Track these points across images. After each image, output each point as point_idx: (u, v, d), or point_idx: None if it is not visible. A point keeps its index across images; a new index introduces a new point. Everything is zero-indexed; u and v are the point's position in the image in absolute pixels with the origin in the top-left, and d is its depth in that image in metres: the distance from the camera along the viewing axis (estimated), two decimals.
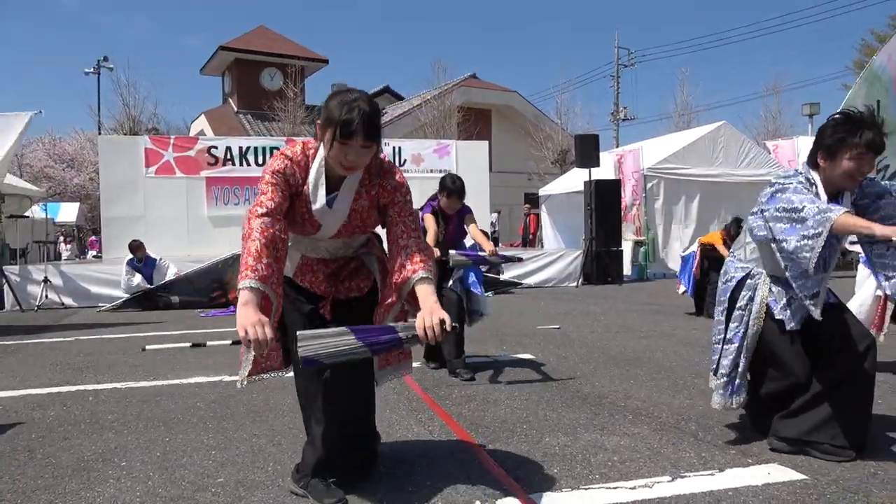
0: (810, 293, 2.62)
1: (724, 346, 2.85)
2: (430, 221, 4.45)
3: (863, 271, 4.24)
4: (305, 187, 2.26)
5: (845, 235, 2.58)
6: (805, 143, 15.30)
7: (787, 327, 2.70)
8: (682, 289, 7.63)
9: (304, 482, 2.36)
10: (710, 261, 7.36)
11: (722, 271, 2.99)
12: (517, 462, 2.70)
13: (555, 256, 12.18)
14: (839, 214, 2.41)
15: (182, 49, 64.83)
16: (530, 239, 17.92)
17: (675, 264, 13.08)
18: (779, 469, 2.56)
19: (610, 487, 2.41)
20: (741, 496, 2.31)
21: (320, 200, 2.26)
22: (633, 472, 2.55)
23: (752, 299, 2.78)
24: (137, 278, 9.33)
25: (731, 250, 3.00)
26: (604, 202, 12.55)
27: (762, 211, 2.70)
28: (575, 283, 11.92)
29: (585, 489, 2.40)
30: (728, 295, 2.86)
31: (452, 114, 22.01)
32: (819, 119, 22.28)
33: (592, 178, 12.75)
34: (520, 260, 4.80)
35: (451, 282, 4.52)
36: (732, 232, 7.20)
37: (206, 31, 62.51)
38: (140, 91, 23.09)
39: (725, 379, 2.83)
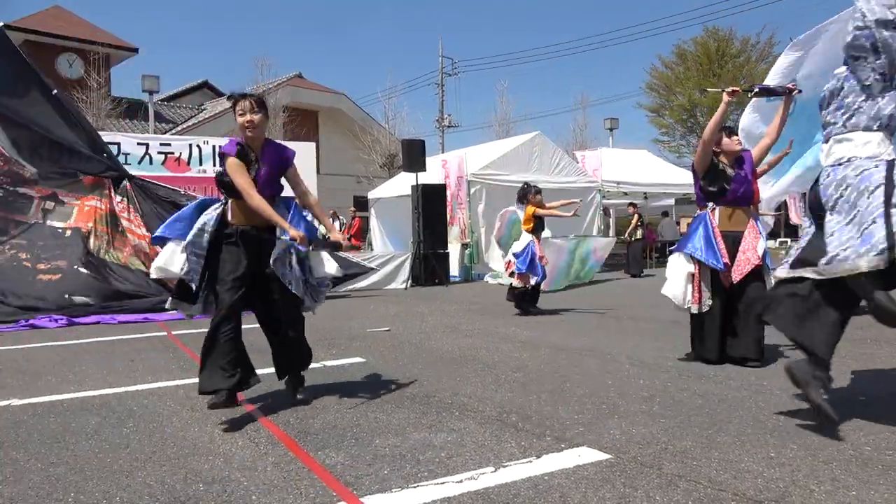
0: None
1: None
2: (234, 168, 3.52)
3: (673, 261, 4.67)
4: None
5: None
6: (607, 155, 16.93)
7: None
8: (533, 280, 7.56)
9: None
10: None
11: (850, 169, 2.95)
12: (347, 466, 2.69)
13: (384, 259, 12.28)
14: None
15: None
16: (350, 240, 17.83)
17: (496, 265, 13.80)
18: (588, 451, 2.80)
19: (438, 483, 2.48)
20: (556, 479, 2.49)
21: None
22: (460, 466, 2.65)
23: None
24: None
25: (845, 155, 3.01)
26: (431, 206, 12.90)
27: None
28: (404, 285, 12.11)
29: (415, 487, 2.45)
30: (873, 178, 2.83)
31: (278, 113, 21.34)
32: (618, 133, 24.77)
33: (419, 182, 13.05)
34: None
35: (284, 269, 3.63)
36: (531, 197, 7.81)
37: None
38: None
39: None
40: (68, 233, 8.88)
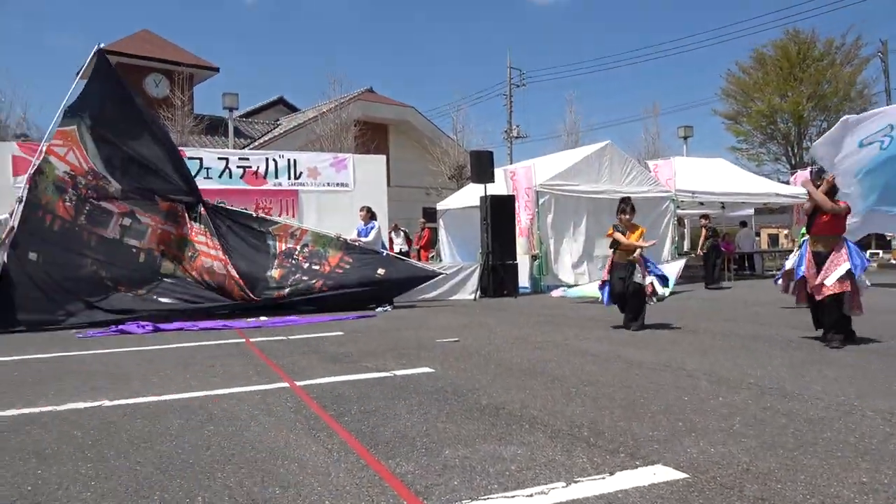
0: None
1: None
2: None
3: None
4: None
5: None
6: (681, 164, 16.45)
7: None
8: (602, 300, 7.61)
9: None
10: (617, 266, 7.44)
11: None
12: (417, 476, 2.70)
13: (452, 270, 12.34)
14: None
15: (52, 50, 60.37)
16: (419, 252, 17.97)
17: (565, 276, 13.63)
18: (663, 469, 2.71)
19: (508, 496, 2.46)
20: (630, 497, 2.43)
21: None
22: (530, 480, 2.62)
23: None
24: None
25: None
26: (499, 217, 12.88)
27: None
28: (472, 296, 12.12)
29: (485, 499, 2.44)
30: None
31: (349, 127, 21.86)
32: (692, 141, 24.07)
33: (488, 193, 13.07)
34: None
35: None
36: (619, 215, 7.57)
37: (78, 30, 58.56)
38: (6, 94, 21.35)
39: None
40: (142, 256, 9.37)
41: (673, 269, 12.71)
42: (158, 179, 9.70)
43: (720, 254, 14.93)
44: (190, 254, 9.57)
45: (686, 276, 13.64)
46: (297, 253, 10.22)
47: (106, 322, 8.43)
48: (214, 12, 65.94)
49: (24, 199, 8.88)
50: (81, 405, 4.12)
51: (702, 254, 14.54)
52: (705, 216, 15.44)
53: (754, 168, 29.49)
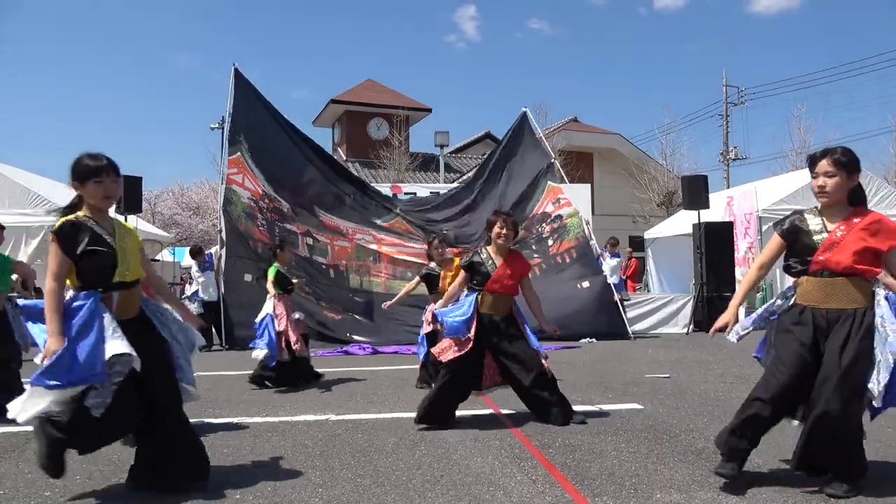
0: None
1: None
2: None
3: None
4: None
5: None
6: None
7: None
8: None
9: None
10: None
11: None
12: None
13: (663, 301, 11.72)
14: None
15: (293, 102, 69.02)
16: (626, 282, 17.23)
17: None
18: None
19: None
20: None
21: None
22: None
23: None
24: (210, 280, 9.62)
25: None
26: (715, 245, 11.98)
27: None
28: (685, 330, 11.36)
29: None
30: None
31: (554, 157, 21.97)
32: None
33: (702, 220, 12.25)
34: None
35: None
36: None
37: (312, 84, 66.56)
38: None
39: None
40: (331, 272, 10.14)
41: None
42: (314, 187, 10.51)
43: None
44: (372, 258, 10.18)
45: None
46: (549, 220, 10.79)
47: (330, 343, 9.29)
48: (428, 57, 70.97)
49: (222, 229, 9.79)
50: (312, 418, 4.57)
51: None
52: None
53: None
